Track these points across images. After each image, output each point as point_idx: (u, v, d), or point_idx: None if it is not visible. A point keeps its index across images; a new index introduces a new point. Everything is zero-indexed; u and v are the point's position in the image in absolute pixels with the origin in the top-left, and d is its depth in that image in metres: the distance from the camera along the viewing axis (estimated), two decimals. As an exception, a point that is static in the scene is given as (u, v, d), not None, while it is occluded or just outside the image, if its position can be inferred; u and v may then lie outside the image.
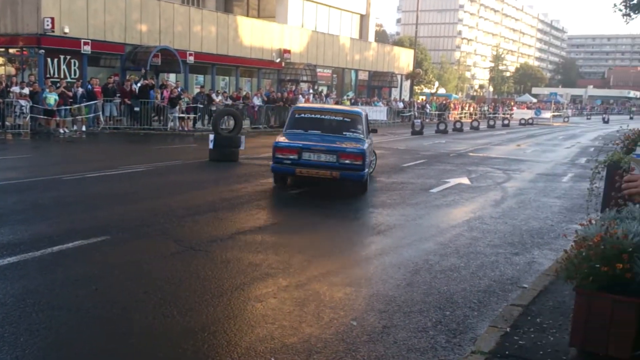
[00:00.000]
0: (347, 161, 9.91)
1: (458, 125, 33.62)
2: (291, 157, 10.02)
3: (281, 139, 10.46)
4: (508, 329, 4.38)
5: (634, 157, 2.39)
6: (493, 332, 4.34)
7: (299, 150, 10.02)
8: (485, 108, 58.44)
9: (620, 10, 9.19)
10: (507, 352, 4.00)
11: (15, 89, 19.19)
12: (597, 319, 3.60)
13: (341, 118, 11.17)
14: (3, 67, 24.72)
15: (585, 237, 3.64)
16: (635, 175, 2.25)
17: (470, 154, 19.51)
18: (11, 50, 23.90)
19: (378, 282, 5.66)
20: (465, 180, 12.88)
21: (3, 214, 7.71)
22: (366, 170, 10.27)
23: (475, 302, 5.22)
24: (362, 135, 10.76)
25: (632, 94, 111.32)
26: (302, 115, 11.18)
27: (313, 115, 11.19)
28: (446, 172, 14.18)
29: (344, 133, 10.71)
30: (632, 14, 9.07)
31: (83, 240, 6.56)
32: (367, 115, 12.07)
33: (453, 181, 12.70)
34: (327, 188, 10.97)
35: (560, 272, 3.84)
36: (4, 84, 19.33)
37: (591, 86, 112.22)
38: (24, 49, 22.98)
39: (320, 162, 9.91)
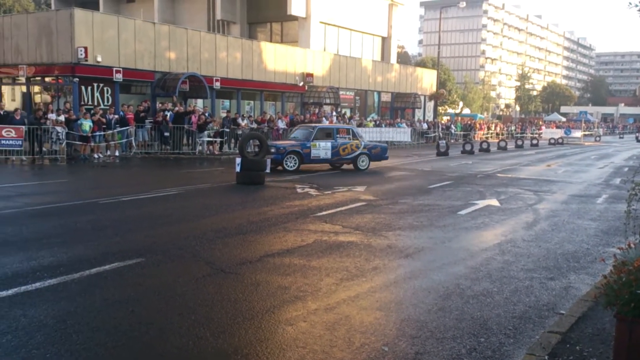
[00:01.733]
0: None
1: (485, 145, 33.26)
2: None
3: None
4: (546, 357, 4.27)
5: None
6: (530, 360, 4.24)
7: None
8: (513, 128, 57.88)
9: (637, 5, 8.92)
10: (545, 380, 3.90)
11: (52, 116, 19.82)
12: (640, 346, 3.49)
13: None
14: (40, 95, 25.49)
15: (624, 262, 3.56)
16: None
17: (499, 174, 19.31)
18: (47, 79, 24.68)
19: (409, 307, 5.61)
20: (494, 202, 12.73)
21: (43, 237, 7.96)
22: None
23: (510, 328, 5.12)
24: None
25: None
26: None
27: None
28: (474, 194, 14.05)
29: None
30: None
31: (119, 262, 6.71)
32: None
33: (482, 203, 12.56)
34: (353, 210, 10.98)
35: (599, 298, 3.74)
36: (41, 112, 19.97)
37: (622, 104, 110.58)
38: (59, 77, 23.71)
39: None
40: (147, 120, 22.53)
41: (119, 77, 23.90)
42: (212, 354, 4.36)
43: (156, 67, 25.84)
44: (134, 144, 21.91)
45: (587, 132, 58.52)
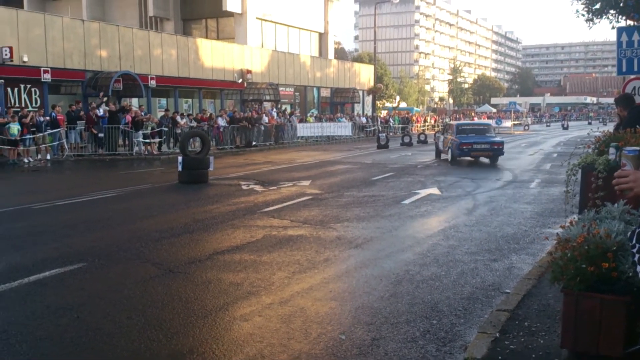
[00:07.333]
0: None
1: (422, 137, 34.05)
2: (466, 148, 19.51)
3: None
4: (497, 334, 4.41)
5: (625, 152, 2.47)
6: (483, 338, 4.35)
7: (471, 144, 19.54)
8: (447, 120, 59.44)
9: (583, 15, 9.56)
10: (499, 357, 4.02)
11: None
12: (586, 318, 3.62)
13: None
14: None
15: (568, 239, 3.70)
16: (627, 170, 2.33)
17: (437, 164, 19.77)
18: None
19: (362, 295, 5.66)
20: (435, 191, 13.03)
21: (-29, 246, 7.47)
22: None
23: (460, 309, 5.26)
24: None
25: (589, 99, 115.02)
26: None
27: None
28: (416, 184, 14.33)
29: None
30: (595, 19, 9.45)
31: (59, 268, 6.41)
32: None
33: (424, 192, 12.83)
34: (300, 204, 10.98)
35: (545, 275, 3.88)
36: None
37: (548, 94, 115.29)
38: (-18, 79, 22.48)
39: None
40: (79, 122, 21.72)
41: (47, 77, 22.95)
42: (166, 355, 4.24)
43: (87, 66, 24.98)
44: (66, 146, 21.08)
45: (516, 122, 60.71)
